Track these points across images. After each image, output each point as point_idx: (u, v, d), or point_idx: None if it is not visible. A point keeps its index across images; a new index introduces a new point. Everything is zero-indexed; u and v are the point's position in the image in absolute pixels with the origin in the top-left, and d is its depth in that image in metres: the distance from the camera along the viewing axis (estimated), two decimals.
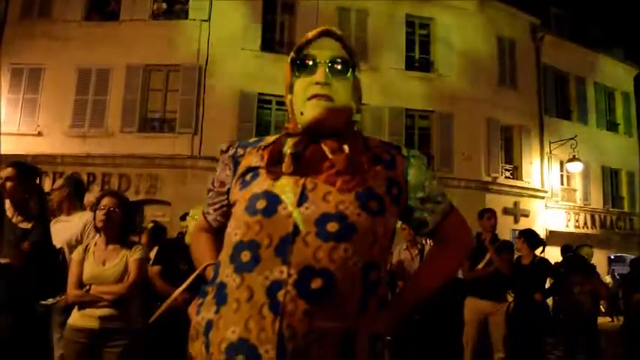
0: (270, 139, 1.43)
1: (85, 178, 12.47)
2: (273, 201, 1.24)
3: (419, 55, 15.89)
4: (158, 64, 13.99)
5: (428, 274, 1.47)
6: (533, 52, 17.27)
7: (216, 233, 1.52)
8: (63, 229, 3.93)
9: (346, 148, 1.30)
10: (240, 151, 1.44)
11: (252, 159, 1.38)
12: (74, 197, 4.24)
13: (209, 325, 1.22)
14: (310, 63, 1.34)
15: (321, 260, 1.15)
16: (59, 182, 4.30)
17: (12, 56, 13.97)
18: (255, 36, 14.15)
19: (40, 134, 13.63)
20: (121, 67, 13.83)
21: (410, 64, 15.59)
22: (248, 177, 1.35)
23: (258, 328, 1.13)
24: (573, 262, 6.92)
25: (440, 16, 15.80)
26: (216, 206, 1.51)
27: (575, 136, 16.08)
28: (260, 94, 13.87)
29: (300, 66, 1.36)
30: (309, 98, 1.32)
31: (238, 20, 14.22)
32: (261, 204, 1.24)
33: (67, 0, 14.35)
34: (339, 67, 1.34)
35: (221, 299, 1.22)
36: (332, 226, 1.18)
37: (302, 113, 1.34)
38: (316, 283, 1.14)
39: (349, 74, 1.37)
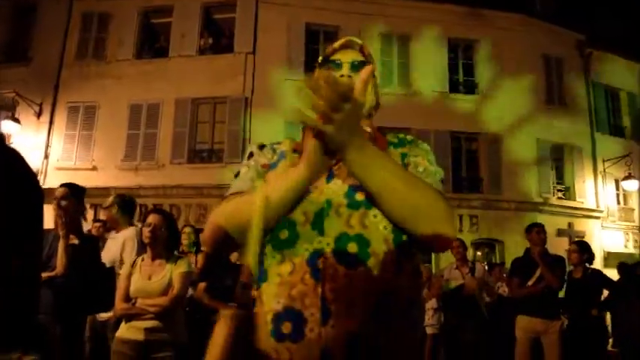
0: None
1: (137, 209, 12.84)
2: None
3: (463, 77, 15.83)
4: (205, 96, 14.46)
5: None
6: (581, 69, 16.85)
7: None
8: (111, 245, 4.08)
9: (368, 128, 1.42)
10: (275, 145, 1.57)
11: (285, 148, 1.51)
12: (123, 214, 4.40)
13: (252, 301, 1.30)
14: (337, 63, 1.53)
15: (354, 226, 1.24)
16: (109, 201, 4.46)
17: (69, 95, 14.73)
18: (299, 66, 14.39)
19: (94, 168, 14.20)
20: (170, 101, 14.37)
21: (454, 87, 15.53)
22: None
23: (301, 295, 1.20)
24: (629, 281, 6.63)
25: (483, 38, 15.74)
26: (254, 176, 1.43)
27: (630, 152, 15.57)
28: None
29: (329, 66, 1.54)
30: None
31: (282, 51, 14.57)
32: None
33: (119, 40, 15.13)
34: (359, 65, 1.51)
35: (260, 276, 1.30)
36: (359, 196, 1.27)
37: None
38: (352, 248, 1.22)
39: None
